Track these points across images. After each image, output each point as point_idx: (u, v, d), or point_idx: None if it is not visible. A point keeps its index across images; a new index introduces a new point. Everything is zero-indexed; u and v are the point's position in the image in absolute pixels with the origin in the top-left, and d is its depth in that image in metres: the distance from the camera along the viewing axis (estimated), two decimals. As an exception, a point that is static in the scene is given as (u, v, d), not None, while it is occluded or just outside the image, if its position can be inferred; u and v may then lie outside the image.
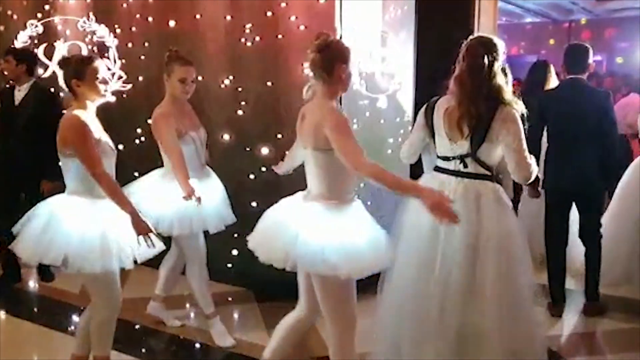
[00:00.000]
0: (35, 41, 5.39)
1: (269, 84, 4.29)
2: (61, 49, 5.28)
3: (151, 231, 2.77)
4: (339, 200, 2.57)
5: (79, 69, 2.78)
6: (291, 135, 4.12)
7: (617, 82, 7.66)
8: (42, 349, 3.79)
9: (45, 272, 4.79)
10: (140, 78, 4.93)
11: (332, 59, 2.54)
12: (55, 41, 5.31)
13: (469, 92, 2.78)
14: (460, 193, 2.79)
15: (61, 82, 5.16)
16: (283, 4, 4.15)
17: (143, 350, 3.72)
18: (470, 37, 2.91)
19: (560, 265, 4.15)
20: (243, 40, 4.32)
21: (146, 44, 4.79)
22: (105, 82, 2.86)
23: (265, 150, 4.33)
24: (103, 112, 5.25)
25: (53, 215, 2.78)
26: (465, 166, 2.83)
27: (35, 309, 4.45)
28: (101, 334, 2.95)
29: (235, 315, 4.22)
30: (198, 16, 4.52)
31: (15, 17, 5.54)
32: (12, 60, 4.52)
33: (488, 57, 2.77)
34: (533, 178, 2.88)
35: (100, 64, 2.83)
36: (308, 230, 2.50)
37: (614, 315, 4.21)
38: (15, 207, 4.39)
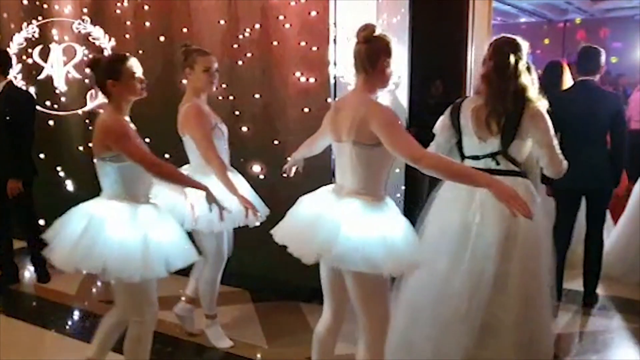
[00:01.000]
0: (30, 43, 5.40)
1: (257, 95, 4.29)
2: (56, 51, 5.29)
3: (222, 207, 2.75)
4: (375, 196, 2.49)
5: (114, 68, 2.67)
6: (285, 143, 4.19)
7: (630, 80, 7.77)
8: (39, 350, 3.78)
9: (41, 273, 4.78)
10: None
11: (378, 52, 2.48)
12: (50, 43, 5.31)
13: (496, 90, 2.87)
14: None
15: (57, 83, 5.27)
16: (279, 16, 4.13)
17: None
18: (496, 37, 2.99)
19: (560, 264, 4.15)
20: (236, 46, 4.31)
21: (140, 51, 4.78)
22: (142, 80, 2.73)
23: (259, 157, 4.34)
24: (97, 114, 5.25)
25: (92, 220, 2.64)
26: (497, 164, 2.91)
27: (31, 310, 4.44)
28: (137, 351, 2.80)
29: (231, 316, 4.22)
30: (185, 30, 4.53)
31: (8, 19, 5.54)
32: None
33: (514, 56, 2.86)
34: (564, 172, 2.95)
35: (134, 60, 2.71)
36: (349, 226, 2.38)
37: (612, 315, 4.24)
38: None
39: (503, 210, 2.61)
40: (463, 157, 3.03)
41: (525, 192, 2.85)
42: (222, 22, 4.38)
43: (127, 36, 4.92)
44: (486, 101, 2.91)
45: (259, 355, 3.62)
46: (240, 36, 4.30)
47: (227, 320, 3.96)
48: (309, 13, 4.03)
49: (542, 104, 2.88)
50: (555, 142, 2.90)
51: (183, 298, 3.78)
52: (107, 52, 5.03)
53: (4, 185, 4.47)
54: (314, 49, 4.03)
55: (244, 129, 4.39)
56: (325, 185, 4.13)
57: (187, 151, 3.47)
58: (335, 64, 4.04)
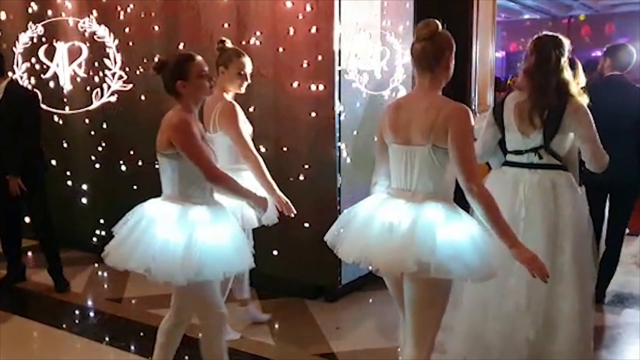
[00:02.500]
0: (36, 42, 5.42)
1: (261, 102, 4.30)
2: (62, 50, 5.31)
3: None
4: (450, 200, 2.39)
5: (183, 69, 2.63)
6: (294, 142, 4.22)
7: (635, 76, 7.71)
8: (44, 348, 3.80)
9: (59, 282, 4.66)
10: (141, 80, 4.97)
11: (443, 48, 2.38)
12: (55, 42, 5.33)
13: (538, 85, 2.93)
14: (536, 183, 2.95)
15: (62, 81, 5.29)
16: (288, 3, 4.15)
17: (144, 347, 3.73)
18: (537, 34, 3.04)
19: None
20: (244, 43, 4.32)
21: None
22: (210, 77, 2.71)
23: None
24: (103, 112, 5.29)
25: (142, 219, 2.67)
26: (540, 157, 2.98)
27: (38, 308, 4.46)
28: (211, 352, 2.79)
29: (237, 312, 4.23)
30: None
31: (13, 18, 5.57)
32: None
33: (555, 52, 2.93)
34: (606, 166, 3.03)
35: (201, 59, 2.68)
36: (445, 233, 2.26)
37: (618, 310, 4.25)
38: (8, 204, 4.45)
39: (547, 203, 2.73)
40: (505, 152, 3.10)
41: (568, 185, 2.97)
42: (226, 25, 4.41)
43: (131, 44, 4.96)
44: (529, 96, 2.97)
45: (265, 352, 3.63)
46: (244, 42, 4.31)
47: (234, 317, 3.96)
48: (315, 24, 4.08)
49: (583, 99, 2.95)
50: (597, 136, 2.95)
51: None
52: (112, 52, 5.05)
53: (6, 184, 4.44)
54: (320, 58, 4.09)
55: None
56: (330, 183, 4.13)
57: (217, 148, 3.38)
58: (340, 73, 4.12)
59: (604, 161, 3.01)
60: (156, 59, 2.71)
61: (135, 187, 5.01)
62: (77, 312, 4.29)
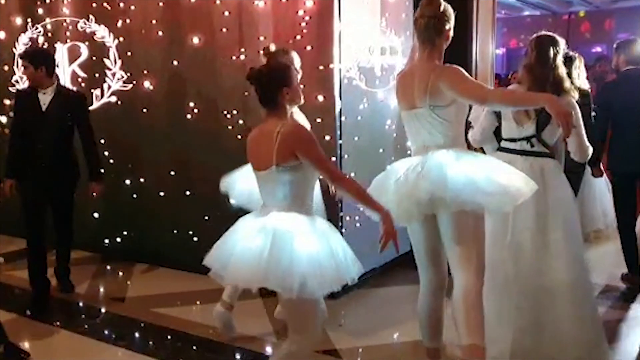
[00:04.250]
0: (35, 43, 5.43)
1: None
2: (62, 51, 5.31)
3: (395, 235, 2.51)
4: (462, 146, 2.86)
5: (286, 75, 2.58)
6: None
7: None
8: (48, 348, 3.81)
9: (66, 283, 4.61)
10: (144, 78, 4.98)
11: (445, 22, 2.79)
12: (55, 42, 5.34)
13: (537, 78, 3.21)
14: (527, 169, 3.18)
15: (63, 82, 5.29)
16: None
17: (148, 346, 3.75)
18: (536, 34, 3.35)
19: (631, 237, 4.32)
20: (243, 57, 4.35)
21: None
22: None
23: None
24: (105, 112, 5.30)
25: (275, 234, 2.45)
26: (532, 146, 3.25)
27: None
28: None
29: (239, 310, 4.24)
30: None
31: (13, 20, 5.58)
32: (29, 65, 4.22)
33: (553, 50, 3.22)
34: (589, 157, 3.31)
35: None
36: (454, 170, 2.66)
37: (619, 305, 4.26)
38: (44, 214, 4.29)
39: (537, 186, 2.98)
40: (500, 140, 3.39)
41: (555, 170, 3.27)
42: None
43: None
44: (527, 89, 3.23)
45: (267, 349, 3.64)
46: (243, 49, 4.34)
47: (236, 314, 3.97)
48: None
49: (574, 95, 3.22)
50: (583, 130, 3.19)
51: (220, 304, 3.70)
52: (112, 52, 5.06)
53: (49, 190, 4.30)
54: (321, 67, 4.13)
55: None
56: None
57: None
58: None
59: (587, 153, 3.24)
60: (250, 69, 2.60)
61: (137, 186, 5.03)
62: (80, 311, 4.30)
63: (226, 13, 4.47)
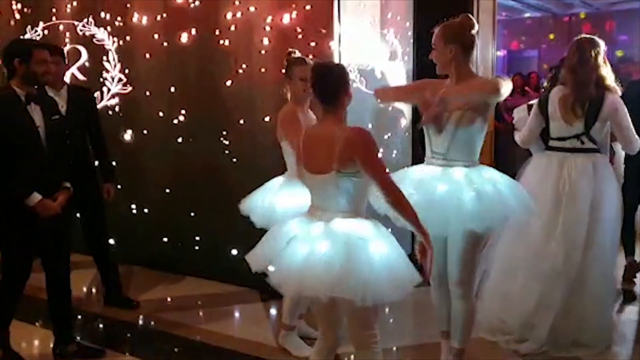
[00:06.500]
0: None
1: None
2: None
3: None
4: (475, 162, 3.01)
5: (347, 78, 2.52)
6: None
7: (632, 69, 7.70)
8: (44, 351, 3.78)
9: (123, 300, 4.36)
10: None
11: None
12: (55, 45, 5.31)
13: (580, 79, 3.39)
14: (579, 164, 3.44)
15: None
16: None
17: (149, 351, 3.72)
18: (577, 37, 3.53)
19: (629, 228, 4.39)
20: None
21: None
22: None
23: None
24: (104, 115, 5.25)
25: (349, 241, 2.36)
26: (582, 143, 3.45)
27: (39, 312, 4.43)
28: None
29: (240, 315, 4.22)
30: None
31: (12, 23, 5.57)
32: (61, 61, 3.98)
33: (593, 51, 3.39)
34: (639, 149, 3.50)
35: None
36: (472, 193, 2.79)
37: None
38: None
39: (589, 181, 3.37)
40: (549, 139, 3.55)
41: (605, 165, 3.49)
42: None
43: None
44: (571, 90, 3.42)
45: (268, 354, 3.61)
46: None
47: (237, 319, 3.97)
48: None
49: (618, 92, 3.39)
50: (630, 124, 3.38)
51: (282, 329, 3.65)
52: (112, 54, 5.04)
53: (87, 191, 4.06)
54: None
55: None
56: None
57: (285, 157, 3.45)
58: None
59: (636, 145, 3.44)
60: (316, 63, 2.56)
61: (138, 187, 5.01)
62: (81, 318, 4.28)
63: (228, 15, 4.46)
